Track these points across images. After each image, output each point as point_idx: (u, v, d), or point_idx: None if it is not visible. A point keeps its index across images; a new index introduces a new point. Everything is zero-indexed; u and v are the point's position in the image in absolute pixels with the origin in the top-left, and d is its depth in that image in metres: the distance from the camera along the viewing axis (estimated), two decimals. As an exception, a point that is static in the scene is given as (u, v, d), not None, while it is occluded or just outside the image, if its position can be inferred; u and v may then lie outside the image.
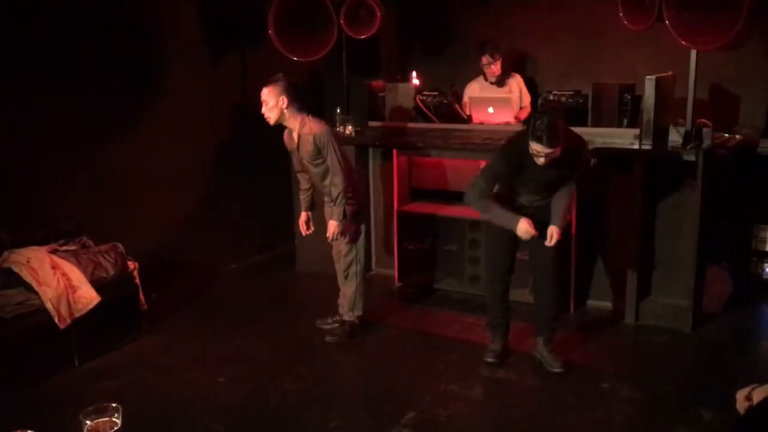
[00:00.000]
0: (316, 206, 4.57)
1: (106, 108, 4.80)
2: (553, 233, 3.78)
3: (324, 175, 4.26)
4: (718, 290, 4.71)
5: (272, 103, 4.10)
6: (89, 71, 4.70)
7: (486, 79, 6.01)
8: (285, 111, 4.13)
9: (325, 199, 4.42)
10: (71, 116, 4.60)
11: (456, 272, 5.26)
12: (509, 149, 3.81)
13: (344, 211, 4.24)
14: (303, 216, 4.55)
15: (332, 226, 4.28)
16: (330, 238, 4.32)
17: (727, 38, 4.17)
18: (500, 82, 6.02)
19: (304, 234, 4.59)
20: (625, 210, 4.57)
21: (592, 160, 4.26)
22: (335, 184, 4.19)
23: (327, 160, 4.18)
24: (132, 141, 5.03)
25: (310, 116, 4.21)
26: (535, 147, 3.53)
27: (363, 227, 4.49)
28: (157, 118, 5.20)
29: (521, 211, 3.83)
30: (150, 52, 5.16)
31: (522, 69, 6.06)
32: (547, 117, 3.51)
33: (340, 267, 4.53)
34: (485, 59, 5.96)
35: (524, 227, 3.74)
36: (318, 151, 4.18)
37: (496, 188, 3.86)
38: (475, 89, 6.10)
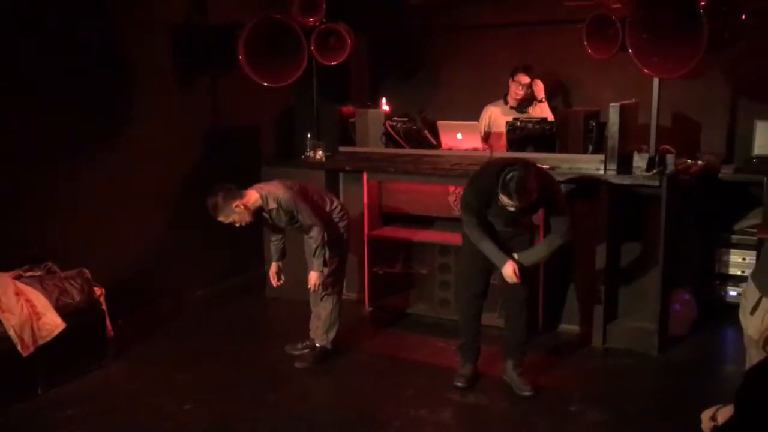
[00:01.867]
0: (286, 255, 4.55)
1: (72, 132, 4.75)
2: (513, 267, 3.80)
3: (303, 231, 4.31)
4: (683, 313, 4.78)
5: (237, 215, 4.08)
6: (56, 94, 4.66)
7: (506, 103, 5.82)
8: (248, 206, 4.10)
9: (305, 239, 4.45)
10: (36, 140, 4.54)
11: (426, 296, 5.28)
12: (477, 188, 3.86)
13: (324, 261, 4.25)
14: (273, 267, 4.50)
15: (313, 277, 4.27)
16: (312, 289, 4.33)
17: (688, 67, 4.29)
18: (521, 107, 5.75)
19: (275, 286, 4.54)
20: (590, 234, 4.63)
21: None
22: (313, 238, 4.22)
23: (301, 220, 4.20)
24: (99, 166, 4.99)
25: (261, 186, 4.22)
26: (505, 201, 3.60)
27: (344, 281, 4.56)
28: (126, 143, 5.16)
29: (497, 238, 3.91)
30: (120, 76, 5.14)
31: (490, 97, 6.14)
32: (518, 173, 3.53)
33: (317, 292, 4.49)
34: (522, 77, 5.64)
35: (509, 271, 3.79)
36: (291, 217, 4.21)
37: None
38: (495, 113, 5.87)
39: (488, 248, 3.85)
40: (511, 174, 3.53)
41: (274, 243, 4.52)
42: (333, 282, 4.43)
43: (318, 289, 4.31)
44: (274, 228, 4.41)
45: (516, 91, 5.67)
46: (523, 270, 3.84)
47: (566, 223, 3.86)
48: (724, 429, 1.60)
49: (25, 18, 4.46)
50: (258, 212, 4.19)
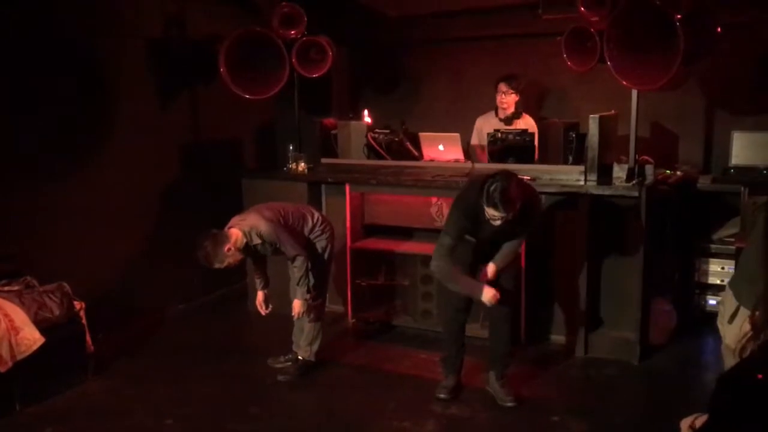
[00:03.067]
0: (269, 284, 4.54)
1: (52, 146, 4.72)
2: (488, 270, 3.89)
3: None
4: (663, 322, 4.82)
5: (231, 258, 4.10)
6: (35, 108, 4.63)
7: (497, 115, 5.80)
8: (237, 246, 4.10)
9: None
10: (16, 154, 4.51)
11: (409, 308, 5.28)
12: (463, 205, 3.86)
13: (308, 288, 4.27)
14: (260, 296, 4.48)
15: (297, 306, 4.29)
16: (295, 316, 4.34)
17: (666, 79, 4.35)
18: (508, 121, 5.72)
19: (263, 314, 4.52)
20: (571, 244, 4.67)
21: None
22: (297, 267, 4.22)
23: (284, 250, 4.21)
24: (79, 179, 4.95)
25: (241, 221, 4.21)
26: (491, 212, 3.62)
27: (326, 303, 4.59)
28: (105, 157, 5.13)
29: (484, 252, 3.94)
30: (99, 90, 5.12)
31: (469, 109, 6.17)
32: (500, 183, 3.57)
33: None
34: (502, 86, 5.66)
35: (489, 295, 3.80)
36: (274, 248, 4.23)
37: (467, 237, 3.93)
38: (485, 126, 5.83)
39: (463, 283, 3.89)
40: (494, 185, 3.56)
41: (257, 275, 4.51)
42: (316, 296, 4.42)
43: (302, 315, 4.34)
44: (256, 257, 4.40)
45: (499, 100, 5.71)
46: (500, 283, 3.89)
47: (520, 246, 4.03)
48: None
49: (1, 32, 4.43)
50: (245, 248, 4.18)
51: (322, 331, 4.55)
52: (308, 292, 4.28)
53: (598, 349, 4.71)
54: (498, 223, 3.67)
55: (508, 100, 5.65)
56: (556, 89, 6.19)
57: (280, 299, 4.62)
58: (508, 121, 5.69)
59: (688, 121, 5.75)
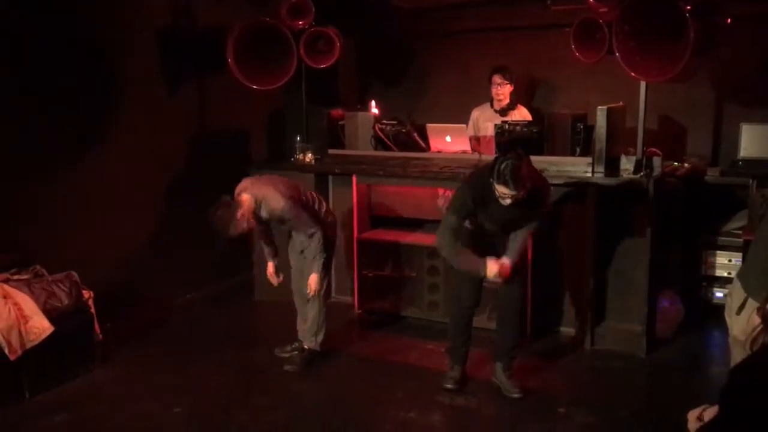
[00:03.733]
0: (279, 254, 4.57)
1: (60, 136, 4.74)
2: (504, 263, 3.88)
3: (290, 229, 4.36)
4: (670, 315, 4.82)
5: (246, 224, 4.11)
6: (42, 97, 4.64)
7: (492, 107, 5.88)
8: (248, 212, 4.12)
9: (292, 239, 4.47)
10: (25, 143, 4.52)
11: (415, 299, 5.29)
12: (474, 183, 3.86)
13: (324, 263, 4.29)
14: (270, 266, 4.53)
15: (314, 280, 4.31)
16: (312, 292, 4.35)
17: (675, 71, 4.32)
18: (503, 112, 5.80)
19: (275, 284, 4.57)
20: (578, 237, 4.66)
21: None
22: (312, 239, 4.25)
23: (295, 225, 4.25)
24: (88, 169, 4.97)
25: (252, 187, 4.22)
26: (501, 190, 3.61)
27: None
28: (113, 146, 5.14)
29: (486, 243, 3.92)
30: (107, 79, 5.12)
31: (477, 101, 6.16)
32: (511, 161, 3.57)
33: (302, 291, 4.51)
34: (497, 78, 5.75)
35: (494, 269, 3.82)
36: (282, 220, 4.26)
37: (466, 223, 3.91)
38: (480, 117, 5.94)
39: (466, 261, 3.90)
40: (504, 163, 3.57)
41: (266, 245, 4.53)
42: (325, 284, 4.44)
43: (320, 289, 4.34)
44: (267, 229, 4.42)
45: (495, 92, 5.76)
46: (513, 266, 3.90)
47: (540, 219, 3.96)
48: (709, 427, 1.62)
49: (7, 21, 4.44)
50: (256, 215, 4.20)
51: (326, 321, 4.56)
52: (325, 267, 4.30)
53: (604, 341, 4.71)
54: (507, 202, 3.65)
55: (503, 91, 5.74)
56: (564, 81, 6.17)
57: (285, 288, 4.64)
58: (503, 112, 5.76)
59: (696, 113, 5.72)
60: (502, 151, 5.03)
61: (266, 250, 4.55)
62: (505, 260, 3.89)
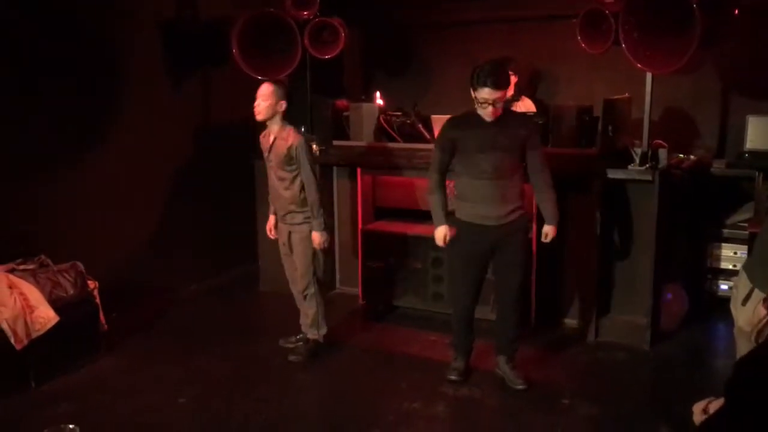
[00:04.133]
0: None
1: (66, 127, 4.74)
2: (548, 232, 3.95)
3: (287, 183, 4.29)
4: (674, 308, 4.81)
5: (272, 101, 4.21)
6: (48, 89, 4.64)
7: None
8: (278, 113, 4.23)
9: (279, 215, 4.44)
10: (31, 135, 4.52)
11: (419, 290, 5.29)
12: (454, 116, 3.95)
13: (324, 222, 4.28)
14: (271, 220, 4.56)
15: (317, 237, 4.29)
16: (318, 247, 4.33)
17: (681, 62, 4.30)
18: (507, 104, 5.69)
19: (271, 237, 4.59)
20: (583, 229, 4.65)
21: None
22: (310, 194, 4.25)
23: (301, 172, 4.23)
24: (92, 160, 4.97)
25: (292, 128, 4.30)
26: (482, 94, 3.63)
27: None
28: (118, 139, 5.14)
29: (487, 193, 3.85)
30: (111, 72, 5.12)
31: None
32: (490, 64, 3.63)
33: (297, 288, 4.52)
34: None
35: (440, 235, 3.92)
36: (289, 160, 4.22)
37: (456, 167, 3.92)
38: None
39: (434, 204, 3.95)
40: (481, 66, 3.64)
41: (271, 198, 4.53)
42: (314, 279, 4.42)
43: (325, 246, 4.33)
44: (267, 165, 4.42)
45: None
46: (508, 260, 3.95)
47: (545, 157, 3.93)
48: (715, 419, 1.61)
49: (10, 13, 4.43)
50: (266, 135, 4.31)
51: (330, 312, 4.56)
52: (324, 226, 4.29)
53: (608, 333, 4.71)
54: (489, 112, 3.66)
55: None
56: (569, 72, 6.14)
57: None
58: (507, 104, 5.67)
59: (702, 105, 5.70)
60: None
61: (271, 206, 4.55)
62: (548, 228, 3.94)
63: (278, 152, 4.26)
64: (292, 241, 4.39)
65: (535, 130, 3.97)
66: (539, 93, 6.26)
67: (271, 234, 4.59)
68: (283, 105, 4.23)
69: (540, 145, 3.94)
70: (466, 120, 3.84)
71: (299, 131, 4.31)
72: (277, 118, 4.27)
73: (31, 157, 4.54)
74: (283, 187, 4.32)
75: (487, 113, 3.71)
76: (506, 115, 3.84)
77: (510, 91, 5.62)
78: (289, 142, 4.21)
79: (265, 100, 4.22)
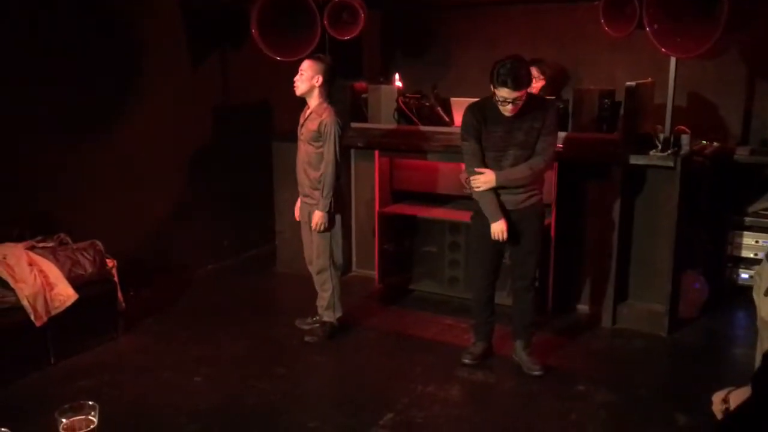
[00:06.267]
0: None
1: (85, 106, 4.76)
2: (504, 225, 3.78)
3: (312, 160, 4.28)
4: (693, 295, 4.77)
5: (308, 75, 4.22)
6: (68, 69, 4.65)
7: None
8: (316, 89, 4.24)
9: (301, 192, 4.44)
10: (51, 114, 4.55)
11: (436, 274, 5.28)
12: (474, 104, 3.86)
13: (330, 204, 4.25)
14: (299, 201, 4.56)
15: (318, 216, 4.26)
16: (315, 228, 4.30)
17: (707, 46, 4.22)
18: None
19: (297, 219, 4.58)
20: (603, 215, 4.61)
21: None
22: (327, 174, 4.22)
23: (324, 149, 4.21)
24: (112, 139, 5.00)
25: (331, 106, 4.29)
26: (501, 93, 3.57)
27: (338, 219, 4.44)
28: (137, 117, 5.16)
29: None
30: (130, 51, 5.12)
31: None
32: (510, 61, 3.55)
33: (313, 270, 4.52)
34: (533, 71, 5.25)
35: (499, 229, 3.78)
36: (318, 136, 4.22)
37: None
38: None
39: (485, 200, 3.82)
40: (503, 65, 3.56)
41: (298, 175, 4.50)
42: (330, 262, 4.41)
43: (322, 228, 4.29)
44: (300, 143, 4.41)
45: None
46: (522, 243, 3.87)
47: (552, 147, 3.82)
48: (740, 411, 1.58)
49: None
50: (305, 104, 4.31)
51: (345, 295, 4.57)
52: (330, 208, 4.27)
53: (626, 320, 4.68)
54: (509, 109, 3.61)
55: (536, 85, 5.51)
56: (591, 55, 6.06)
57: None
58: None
59: (727, 91, 5.60)
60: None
61: (299, 184, 4.52)
62: (505, 223, 3.80)
63: (309, 127, 4.26)
64: (312, 221, 4.38)
65: (553, 116, 3.82)
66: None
67: (297, 215, 4.58)
68: (319, 80, 4.22)
69: (551, 132, 3.79)
70: (484, 111, 3.75)
71: (335, 112, 4.27)
72: (315, 94, 4.26)
73: (52, 137, 4.57)
74: (307, 162, 4.31)
75: (506, 110, 3.64)
76: (526, 104, 3.68)
77: (535, 91, 5.51)
78: (322, 118, 4.20)
79: (301, 73, 4.24)
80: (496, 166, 3.81)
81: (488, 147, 3.81)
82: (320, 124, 4.20)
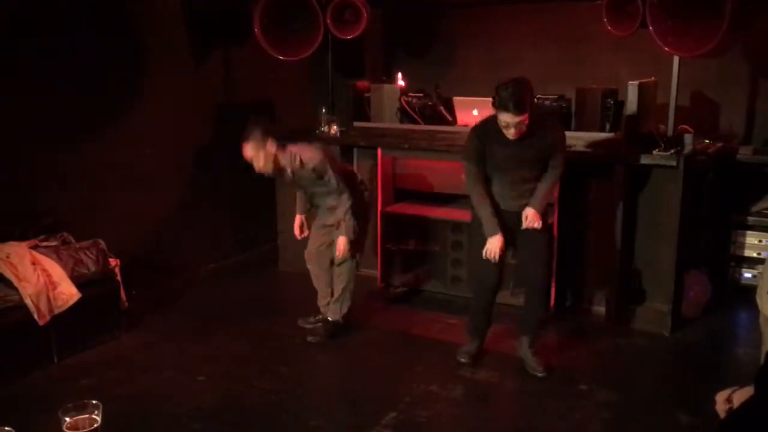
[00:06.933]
0: (309, 210, 4.58)
1: (88, 104, 4.77)
2: (528, 215, 3.80)
3: (324, 194, 4.30)
4: (697, 295, 4.76)
5: (260, 157, 4.05)
6: (71, 67, 4.65)
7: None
8: (275, 154, 4.09)
9: (320, 222, 4.47)
10: (54, 112, 4.55)
11: (438, 273, 5.28)
12: (478, 125, 3.86)
13: (353, 227, 4.24)
14: (298, 219, 4.55)
15: (342, 242, 4.24)
16: (340, 256, 4.29)
17: (710, 46, 4.22)
18: None
19: (298, 238, 4.58)
20: (606, 214, 4.60)
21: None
22: (342, 203, 4.20)
23: (330, 181, 4.18)
24: (114, 138, 5.00)
25: (294, 145, 4.19)
26: (503, 117, 3.55)
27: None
28: (140, 116, 5.17)
29: (501, 189, 3.85)
30: (133, 49, 5.13)
31: (505, 74, 6.04)
32: (512, 85, 3.52)
33: (322, 263, 4.52)
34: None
35: (494, 246, 3.77)
36: (316, 176, 4.19)
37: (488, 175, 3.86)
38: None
39: (484, 214, 3.82)
40: (505, 89, 3.52)
41: (299, 197, 4.53)
42: (351, 256, 4.42)
43: (347, 255, 4.29)
44: (296, 187, 4.41)
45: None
46: (542, 219, 3.85)
47: (564, 160, 3.83)
48: (742, 410, 1.58)
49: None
50: (275, 165, 4.14)
51: (353, 294, 4.57)
52: (354, 231, 4.25)
53: (629, 319, 4.67)
54: (512, 133, 3.58)
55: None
56: (593, 55, 6.05)
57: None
58: None
59: (730, 90, 5.59)
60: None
61: (299, 199, 4.54)
62: (528, 210, 3.81)
63: (304, 176, 4.21)
64: (337, 212, 4.31)
65: (558, 132, 3.85)
66: (564, 75, 6.13)
67: (297, 233, 4.56)
68: (270, 146, 4.05)
69: (562, 153, 3.83)
70: (489, 133, 3.73)
71: (305, 146, 4.19)
72: (280, 156, 4.12)
73: (55, 136, 4.57)
74: (320, 196, 4.35)
75: (509, 134, 3.62)
76: (530, 126, 3.65)
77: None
78: (309, 165, 4.12)
79: (256, 161, 4.08)
80: (503, 184, 3.83)
81: (496, 166, 3.81)
82: (314, 170, 4.14)
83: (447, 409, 3.66)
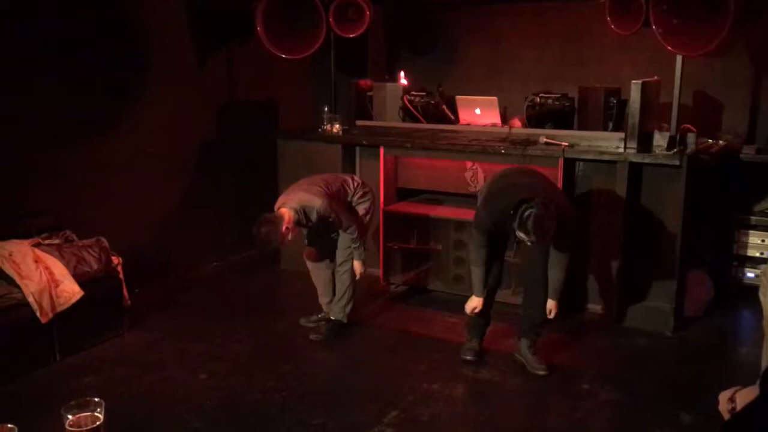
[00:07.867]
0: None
1: (92, 103, 4.77)
2: (551, 308, 3.92)
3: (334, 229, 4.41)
4: (699, 294, 4.75)
5: (290, 234, 4.14)
6: (74, 66, 4.66)
7: None
8: (292, 225, 4.15)
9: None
10: (57, 111, 4.56)
11: (441, 272, 5.28)
12: (493, 209, 3.84)
13: (364, 249, 4.45)
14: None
15: (358, 266, 4.45)
16: (358, 276, 4.48)
17: (713, 45, 4.21)
18: None
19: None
20: (608, 212, 4.60)
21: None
22: (351, 234, 4.33)
23: (339, 222, 4.28)
24: (117, 136, 5.01)
25: (289, 200, 4.25)
26: (521, 236, 3.59)
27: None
28: (143, 115, 5.17)
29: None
30: (136, 48, 5.13)
31: (507, 73, 6.06)
32: (536, 210, 3.49)
33: (331, 262, 4.53)
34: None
35: (473, 305, 3.99)
36: (328, 218, 4.26)
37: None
38: None
39: (475, 275, 3.97)
40: (528, 212, 3.50)
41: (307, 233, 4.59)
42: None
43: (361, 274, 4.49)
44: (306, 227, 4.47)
45: None
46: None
47: (569, 253, 3.88)
48: (747, 411, 1.58)
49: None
50: (298, 223, 4.25)
51: (355, 293, 4.58)
52: (363, 251, 4.45)
53: (631, 319, 4.67)
54: (528, 244, 3.69)
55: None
56: (597, 54, 6.04)
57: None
58: None
59: (733, 89, 5.58)
60: (532, 125, 4.96)
61: (306, 236, 4.59)
62: (551, 303, 3.92)
63: (316, 220, 4.28)
64: (346, 240, 4.45)
65: (572, 228, 3.87)
66: (567, 74, 6.14)
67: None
68: (286, 226, 4.10)
69: (572, 239, 3.88)
70: (505, 224, 3.74)
71: (304, 194, 4.25)
72: (293, 224, 4.18)
73: (58, 134, 4.57)
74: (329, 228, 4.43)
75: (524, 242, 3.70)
76: None
77: None
78: (312, 214, 4.22)
79: (285, 241, 4.19)
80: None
81: (506, 243, 4.02)
82: (321, 213, 4.20)
83: (449, 407, 3.66)
